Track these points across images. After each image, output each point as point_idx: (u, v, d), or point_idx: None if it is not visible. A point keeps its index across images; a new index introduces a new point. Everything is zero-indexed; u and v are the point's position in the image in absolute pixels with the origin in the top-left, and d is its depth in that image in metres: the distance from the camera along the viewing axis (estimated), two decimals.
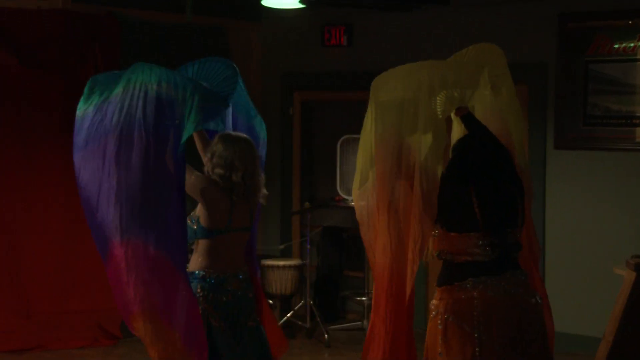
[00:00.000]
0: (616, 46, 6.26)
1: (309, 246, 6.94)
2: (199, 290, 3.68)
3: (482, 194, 3.28)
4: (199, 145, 3.88)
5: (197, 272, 3.72)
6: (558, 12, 6.45)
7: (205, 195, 3.65)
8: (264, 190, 3.84)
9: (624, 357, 4.80)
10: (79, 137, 3.64)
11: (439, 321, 3.34)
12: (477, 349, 3.24)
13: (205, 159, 3.77)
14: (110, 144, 3.51)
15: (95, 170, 3.56)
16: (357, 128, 3.77)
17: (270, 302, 6.95)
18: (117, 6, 6.95)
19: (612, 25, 6.26)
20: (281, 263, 6.90)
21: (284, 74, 7.86)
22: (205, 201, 3.65)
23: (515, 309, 3.29)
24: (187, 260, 3.72)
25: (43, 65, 6.54)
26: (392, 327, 3.41)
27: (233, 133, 3.78)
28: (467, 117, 3.47)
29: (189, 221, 3.73)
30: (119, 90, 3.57)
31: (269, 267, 6.92)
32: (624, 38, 6.22)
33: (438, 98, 3.37)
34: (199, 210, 3.72)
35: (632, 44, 6.20)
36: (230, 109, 3.90)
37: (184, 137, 3.50)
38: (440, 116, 3.35)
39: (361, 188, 3.55)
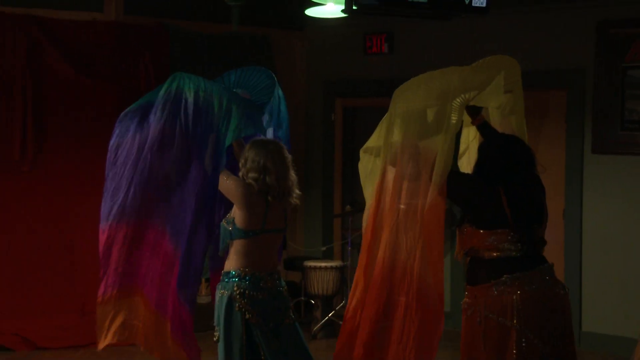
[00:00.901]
0: None
1: (349, 248, 6.93)
2: (235, 289, 3.74)
3: (511, 194, 3.36)
4: (236, 151, 3.97)
5: (233, 271, 3.78)
6: (596, 19, 6.42)
7: (241, 198, 3.72)
8: (297, 191, 3.90)
9: None
10: (120, 126, 3.95)
11: (478, 319, 3.38)
12: (519, 342, 3.29)
13: (240, 164, 3.87)
14: (153, 133, 3.77)
15: (131, 154, 3.84)
16: None
17: (312, 301, 6.97)
18: (167, 17, 7.09)
19: None
20: (323, 264, 6.90)
21: (326, 81, 7.90)
22: (241, 203, 3.73)
23: (550, 302, 3.37)
24: (203, 262, 3.86)
25: (98, 74, 6.66)
26: (416, 327, 3.45)
27: (264, 138, 3.89)
28: (483, 126, 3.60)
29: (224, 223, 3.83)
30: (161, 93, 3.83)
31: (311, 268, 6.93)
32: None
33: (453, 103, 3.46)
34: (234, 212, 3.79)
35: None
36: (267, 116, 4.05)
37: (226, 144, 3.69)
38: (454, 121, 3.43)
39: (367, 151, 3.71)
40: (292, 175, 3.85)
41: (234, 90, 3.98)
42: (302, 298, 7.12)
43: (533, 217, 3.41)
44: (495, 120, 3.70)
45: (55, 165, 6.56)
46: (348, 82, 7.74)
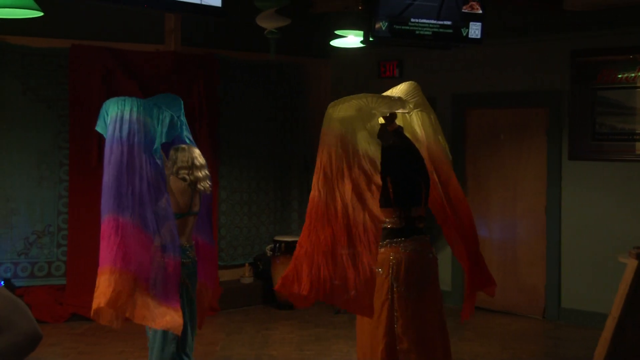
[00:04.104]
0: (619, 76, 6.28)
1: None
2: None
3: (395, 182, 3.77)
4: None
5: None
6: (571, 48, 6.52)
7: (176, 189, 3.98)
8: (209, 181, 4.12)
9: (627, 330, 4.84)
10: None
11: None
12: (390, 288, 3.71)
13: (169, 165, 4.10)
14: (107, 150, 3.86)
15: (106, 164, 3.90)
16: None
17: None
18: (217, 48, 7.15)
19: (616, 59, 6.29)
20: None
21: None
22: (176, 193, 3.98)
23: (418, 261, 3.78)
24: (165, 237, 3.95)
25: None
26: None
27: (183, 145, 4.10)
28: (396, 131, 3.97)
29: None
30: (110, 115, 3.94)
31: None
32: (625, 69, 6.25)
33: (374, 120, 3.75)
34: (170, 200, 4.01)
35: (632, 74, 6.21)
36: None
37: (157, 147, 3.86)
38: (373, 133, 3.69)
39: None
40: (207, 168, 4.11)
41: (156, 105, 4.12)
42: None
43: (410, 200, 3.80)
44: (416, 130, 4.04)
45: None
46: None
